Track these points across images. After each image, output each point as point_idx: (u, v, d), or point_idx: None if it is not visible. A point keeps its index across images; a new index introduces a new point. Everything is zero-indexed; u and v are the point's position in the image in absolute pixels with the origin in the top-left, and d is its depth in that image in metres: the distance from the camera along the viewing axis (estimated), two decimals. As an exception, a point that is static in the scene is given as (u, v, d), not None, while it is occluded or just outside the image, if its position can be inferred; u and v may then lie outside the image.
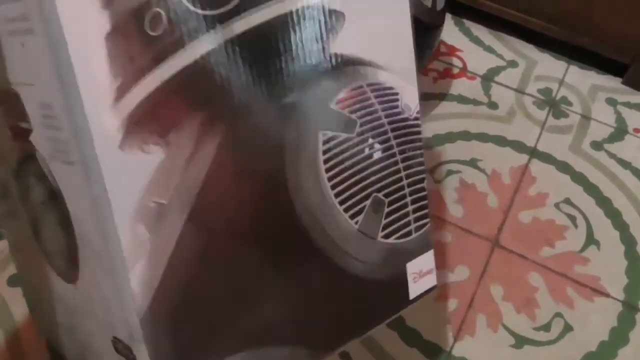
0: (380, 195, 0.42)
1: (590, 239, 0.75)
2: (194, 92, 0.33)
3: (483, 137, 0.84)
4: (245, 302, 0.38)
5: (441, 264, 0.71)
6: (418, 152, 0.43)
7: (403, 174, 0.43)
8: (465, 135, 0.84)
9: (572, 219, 0.76)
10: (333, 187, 0.40)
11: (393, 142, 0.42)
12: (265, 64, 0.35)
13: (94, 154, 0.30)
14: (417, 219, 0.45)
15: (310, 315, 0.41)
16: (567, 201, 0.78)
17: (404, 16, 0.41)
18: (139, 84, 0.31)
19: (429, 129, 0.84)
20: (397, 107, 0.42)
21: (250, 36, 0.34)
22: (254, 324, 0.38)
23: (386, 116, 0.41)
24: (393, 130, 0.42)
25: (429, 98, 0.88)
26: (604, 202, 0.78)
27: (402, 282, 0.46)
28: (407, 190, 0.44)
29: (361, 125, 0.40)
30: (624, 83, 0.93)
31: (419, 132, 0.43)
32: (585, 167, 0.82)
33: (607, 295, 0.70)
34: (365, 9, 0.38)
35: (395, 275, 0.45)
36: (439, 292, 0.68)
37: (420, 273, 0.47)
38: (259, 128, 0.36)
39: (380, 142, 0.41)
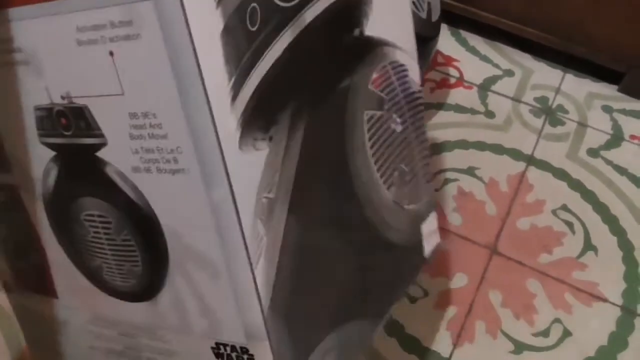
0: (402, 165, 0.44)
1: (588, 245, 0.75)
2: (285, 84, 0.33)
3: (480, 146, 0.85)
4: (330, 285, 0.39)
5: (440, 272, 0.71)
6: (422, 120, 0.47)
7: (415, 142, 0.46)
8: (463, 144, 0.85)
9: (570, 225, 0.77)
10: (375, 162, 0.41)
11: (407, 114, 0.44)
12: (328, 50, 0.37)
13: (219, 157, 0.30)
14: (426, 182, 0.48)
15: (367, 286, 0.44)
16: (565, 208, 0.79)
17: None
18: (248, 81, 0.31)
19: (426, 138, 0.85)
20: (407, 82, 0.44)
21: (317, 25, 0.35)
22: (335, 304, 0.40)
23: (402, 91, 0.44)
24: (407, 103, 0.44)
25: (426, 108, 0.89)
26: (601, 208, 0.79)
27: (420, 243, 0.49)
28: (417, 157, 0.47)
29: (387, 101, 0.42)
30: (619, 90, 0.94)
31: (422, 103, 0.46)
32: (582, 174, 0.83)
33: (606, 300, 0.70)
34: None
35: (416, 237, 0.49)
36: (437, 300, 0.69)
37: (430, 232, 0.50)
38: (329, 115, 0.37)
39: (400, 116, 0.44)
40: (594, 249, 0.75)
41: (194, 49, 0.28)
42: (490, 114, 0.89)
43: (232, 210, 0.31)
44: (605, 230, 0.77)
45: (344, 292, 0.41)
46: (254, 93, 0.31)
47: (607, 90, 0.94)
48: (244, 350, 0.36)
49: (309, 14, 0.35)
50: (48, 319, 0.44)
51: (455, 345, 0.66)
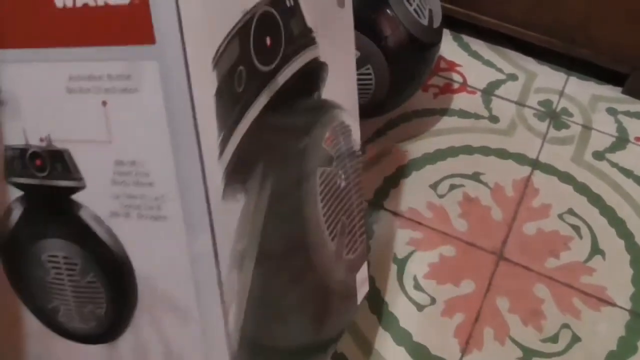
0: (344, 218, 0.48)
1: (595, 249, 0.75)
2: (259, 142, 0.35)
3: (485, 151, 0.85)
4: (285, 322, 0.42)
5: (446, 279, 0.71)
6: (360, 176, 0.50)
7: (354, 197, 0.49)
8: (468, 150, 0.85)
9: (576, 229, 0.77)
10: (324, 215, 0.44)
11: (349, 171, 0.48)
12: (293, 111, 0.39)
13: (205, 207, 0.31)
14: (361, 234, 0.51)
15: (320, 329, 0.47)
16: (571, 212, 0.78)
17: (352, 60, 0.46)
18: (232, 138, 0.33)
19: (431, 145, 0.85)
20: (351, 141, 0.48)
21: (286, 88, 0.38)
22: (290, 341, 0.43)
23: (346, 150, 0.47)
24: (349, 161, 0.48)
25: (430, 114, 0.89)
26: (607, 212, 0.79)
27: (354, 292, 0.52)
28: (356, 211, 0.50)
29: (335, 159, 0.45)
30: (624, 92, 0.93)
31: (360, 162, 0.50)
32: (587, 177, 0.82)
33: (614, 304, 0.70)
34: (335, 58, 0.44)
35: (352, 286, 0.52)
36: (445, 307, 0.69)
37: (362, 281, 0.53)
38: (290, 170, 0.40)
39: (344, 172, 0.47)
40: (602, 252, 0.75)
41: (193, 107, 0.30)
42: (494, 119, 0.89)
43: (212, 261, 0.33)
44: (612, 233, 0.77)
45: (303, 333, 0.44)
46: (235, 149, 0.33)
47: (611, 92, 0.94)
48: None
49: (281, 78, 0.37)
50: None
51: (463, 352, 0.65)
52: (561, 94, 0.93)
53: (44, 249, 0.38)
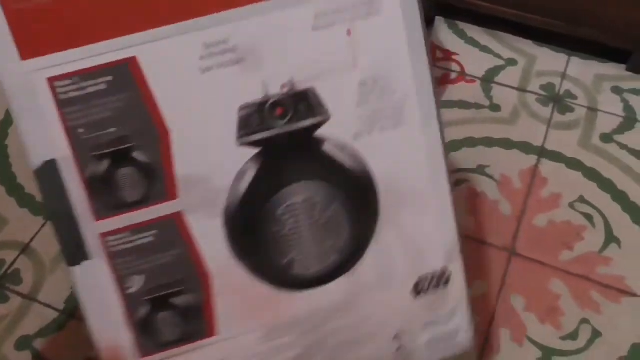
0: None
1: (610, 237, 0.72)
2: None
3: (488, 142, 0.82)
4: None
5: (458, 280, 0.68)
6: None
7: None
8: (470, 142, 0.82)
9: (589, 218, 0.74)
10: None
11: None
12: None
13: (433, 99, 0.38)
14: None
15: None
16: (582, 199, 0.76)
17: None
18: None
19: (432, 139, 0.82)
20: None
21: None
22: None
23: None
24: None
25: (429, 107, 0.86)
26: (620, 197, 0.76)
27: None
28: None
29: None
30: (628, 69, 0.90)
31: None
32: (597, 162, 0.79)
33: (635, 294, 0.67)
34: None
35: None
36: (458, 310, 0.66)
37: None
38: None
39: None
40: (617, 240, 0.72)
41: (422, 19, 0.36)
42: (495, 107, 0.86)
43: (441, 148, 0.39)
44: (627, 219, 0.74)
45: None
46: None
47: (615, 70, 0.90)
48: (443, 272, 0.42)
49: None
50: None
51: (480, 356, 0.63)
52: (563, 76, 0.90)
53: (280, 201, 0.39)
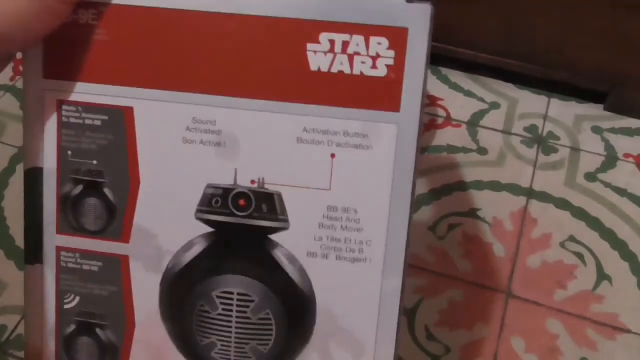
0: None
1: (602, 275, 0.74)
2: None
3: (478, 185, 0.84)
4: None
5: (458, 324, 0.70)
6: None
7: None
8: (461, 186, 0.84)
9: (580, 256, 0.76)
10: None
11: None
12: None
13: (403, 252, 0.36)
14: None
15: None
16: (572, 238, 0.78)
17: None
18: None
19: (424, 185, 0.84)
20: None
21: None
22: None
23: None
24: None
25: (418, 152, 0.89)
26: (608, 235, 0.79)
27: None
28: None
29: None
30: (605, 109, 0.94)
31: None
32: (583, 201, 0.82)
33: (629, 331, 0.69)
34: None
35: None
36: (460, 355, 0.67)
37: None
38: None
39: None
40: (608, 278, 0.74)
41: (415, 167, 0.35)
42: (482, 150, 0.89)
43: (397, 300, 0.37)
44: (616, 256, 0.76)
45: None
46: None
47: (593, 110, 0.94)
48: None
49: None
50: None
51: (485, 400, 0.64)
52: (545, 117, 0.93)
53: (217, 285, 0.39)
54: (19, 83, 0.94)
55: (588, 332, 0.69)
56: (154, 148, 0.38)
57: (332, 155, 0.36)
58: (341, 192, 0.36)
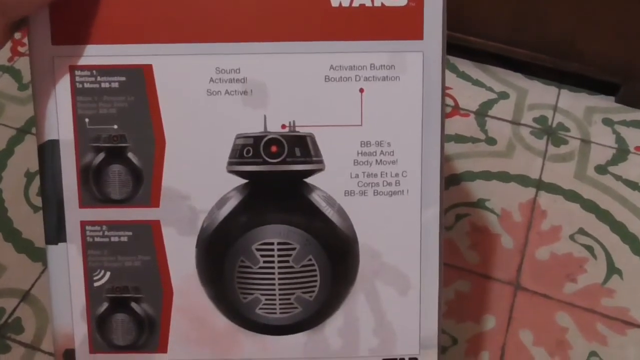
0: None
1: (612, 269, 0.73)
2: None
3: (486, 176, 0.83)
4: None
5: (466, 316, 0.69)
6: None
7: None
8: (469, 176, 0.83)
9: (590, 249, 0.75)
10: None
11: None
12: None
13: (438, 179, 0.36)
14: None
15: None
16: (582, 231, 0.77)
17: None
18: None
19: (431, 174, 0.83)
20: None
21: None
22: None
23: None
24: None
25: (426, 142, 0.87)
26: (618, 228, 0.77)
27: None
28: None
29: None
30: (617, 102, 0.92)
31: None
32: (593, 194, 0.81)
33: (639, 326, 0.68)
34: None
35: None
36: (468, 346, 0.66)
37: None
38: None
39: None
40: (619, 272, 0.73)
41: (443, 93, 0.35)
42: (491, 141, 0.87)
43: (437, 228, 0.37)
44: (627, 250, 0.75)
45: None
46: None
47: (604, 102, 0.92)
48: None
49: None
50: None
51: (493, 394, 0.63)
52: (555, 108, 0.92)
53: (256, 237, 0.38)
54: (18, 64, 0.92)
55: (598, 327, 0.68)
56: (177, 104, 0.37)
57: (361, 90, 0.35)
58: (373, 126, 0.36)
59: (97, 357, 0.41)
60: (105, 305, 0.40)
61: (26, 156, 0.83)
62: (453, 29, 0.93)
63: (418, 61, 0.35)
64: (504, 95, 0.93)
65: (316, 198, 0.37)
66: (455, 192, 0.81)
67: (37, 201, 0.78)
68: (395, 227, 0.37)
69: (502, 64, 0.97)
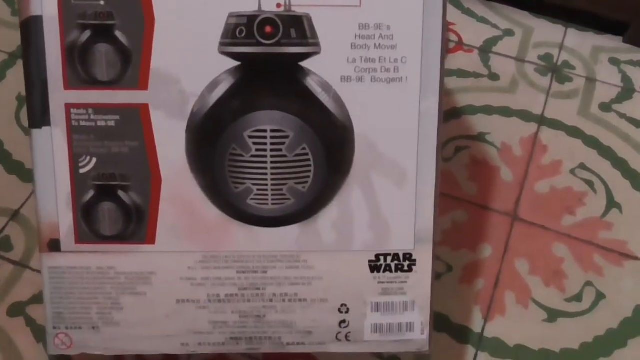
0: None
1: (611, 203, 0.72)
2: None
3: (488, 110, 0.81)
4: None
5: (461, 244, 0.68)
6: None
7: None
8: (470, 110, 0.81)
9: (590, 184, 0.74)
10: None
11: None
12: None
13: (439, 69, 0.34)
14: None
15: None
16: (583, 166, 0.75)
17: None
18: None
19: (431, 107, 0.81)
20: None
21: None
22: None
23: None
24: None
25: (427, 76, 0.85)
26: (619, 164, 0.76)
27: None
28: None
29: None
30: (625, 41, 0.90)
31: None
32: (596, 130, 0.79)
33: (637, 258, 0.67)
34: None
35: None
36: (462, 274, 0.65)
37: None
38: None
39: None
40: (618, 206, 0.72)
41: None
42: (494, 77, 0.85)
43: (436, 120, 0.35)
44: (627, 185, 0.74)
45: None
46: None
47: (612, 42, 0.90)
48: (407, 256, 0.38)
49: None
50: (116, 277, 0.39)
51: (486, 319, 0.62)
52: (561, 47, 0.89)
53: (249, 124, 0.36)
54: (13, -10, 0.90)
55: (595, 258, 0.67)
56: None
57: None
58: (372, 7, 0.34)
59: (83, 248, 0.40)
60: (91, 193, 0.39)
61: (18, 80, 0.82)
62: (459, -38, 0.90)
63: None
64: (509, 33, 0.91)
65: (311, 83, 0.35)
66: (455, 125, 0.79)
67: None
68: (392, 117, 0.36)
69: (508, 1, 0.95)
